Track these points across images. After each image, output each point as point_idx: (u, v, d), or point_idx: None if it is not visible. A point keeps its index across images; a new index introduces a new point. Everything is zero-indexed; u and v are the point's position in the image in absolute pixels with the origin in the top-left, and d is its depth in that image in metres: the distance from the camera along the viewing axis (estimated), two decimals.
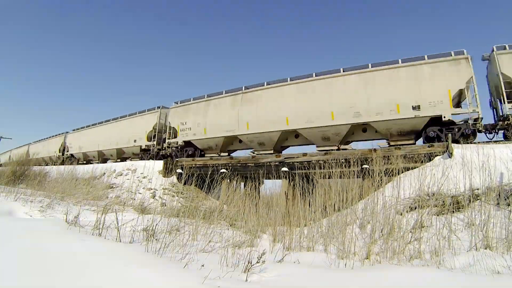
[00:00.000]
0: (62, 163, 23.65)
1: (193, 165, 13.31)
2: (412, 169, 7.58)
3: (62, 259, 2.79)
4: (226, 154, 13.96)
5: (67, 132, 26.03)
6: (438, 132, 9.44)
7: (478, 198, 5.73)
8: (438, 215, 5.60)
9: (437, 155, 8.08)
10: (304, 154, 10.78)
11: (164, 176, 13.73)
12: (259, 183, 10.87)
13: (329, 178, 7.55)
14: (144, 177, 13.60)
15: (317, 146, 11.32)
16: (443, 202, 5.85)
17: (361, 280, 3.29)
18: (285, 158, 11.06)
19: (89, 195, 8.98)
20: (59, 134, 27.06)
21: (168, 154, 15.87)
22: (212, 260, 3.68)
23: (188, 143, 14.85)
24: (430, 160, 7.96)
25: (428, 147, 8.81)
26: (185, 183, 12.40)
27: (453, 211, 5.64)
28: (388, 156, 8.44)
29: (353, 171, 6.93)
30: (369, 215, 5.66)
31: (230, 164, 12.41)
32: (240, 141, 13.41)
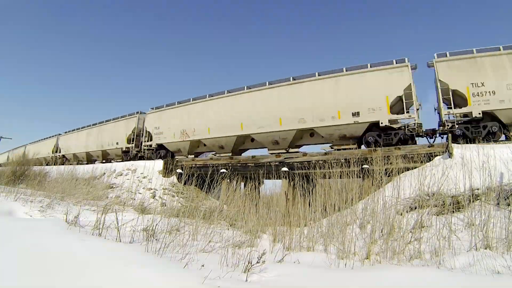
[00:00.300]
0: (139, 156, 16.71)
1: (193, 165, 13.31)
2: (412, 169, 7.59)
3: (62, 259, 2.78)
4: None
5: (140, 112, 17.66)
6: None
7: (478, 198, 5.73)
8: (438, 215, 5.59)
9: (437, 155, 8.08)
10: (304, 154, 10.78)
11: (164, 176, 13.72)
12: (259, 183, 10.88)
13: (329, 178, 7.56)
14: (144, 177, 13.60)
15: None
16: (443, 202, 5.85)
17: (361, 280, 3.29)
18: (285, 158, 11.06)
19: (89, 195, 8.98)
20: (127, 116, 18.14)
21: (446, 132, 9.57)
22: (212, 260, 3.68)
23: (491, 116, 9.17)
24: (430, 160, 7.96)
25: (428, 147, 8.82)
26: (185, 183, 12.40)
27: (453, 211, 5.64)
28: (388, 156, 8.44)
29: (353, 171, 6.94)
30: (369, 215, 5.66)
31: (230, 164, 12.40)
32: None
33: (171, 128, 15.48)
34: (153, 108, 16.97)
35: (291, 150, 11.94)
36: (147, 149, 16.48)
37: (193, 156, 14.93)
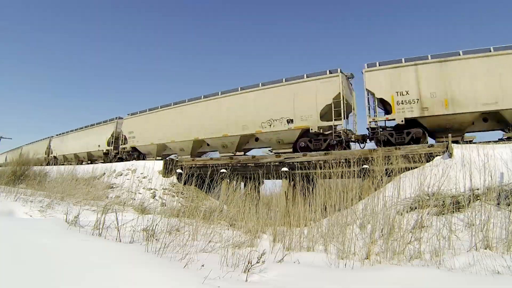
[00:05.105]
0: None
1: (193, 165, 13.29)
2: (412, 169, 7.58)
3: (62, 259, 2.78)
4: None
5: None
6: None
7: (478, 198, 5.72)
8: (438, 215, 5.59)
9: (437, 155, 8.08)
10: (304, 154, 10.77)
11: (164, 176, 13.72)
12: (259, 183, 10.88)
13: (329, 178, 7.56)
14: (144, 177, 13.60)
15: None
16: (443, 202, 5.84)
17: (361, 280, 3.29)
18: (285, 158, 11.05)
19: (89, 195, 8.99)
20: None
21: None
22: (212, 260, 3.68)
23: None
24: (430, 160, 7.95)
25: (428, 147, 8.80)
26: (185, 183, 12.40)
27: (453, 211, 5.64)
28: (389, 156, 8.43)
29: (353, 171, 6.93)
30: (369, 215, 5.66)
31: (230, 164, 12.39)
32: None
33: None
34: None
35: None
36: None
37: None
